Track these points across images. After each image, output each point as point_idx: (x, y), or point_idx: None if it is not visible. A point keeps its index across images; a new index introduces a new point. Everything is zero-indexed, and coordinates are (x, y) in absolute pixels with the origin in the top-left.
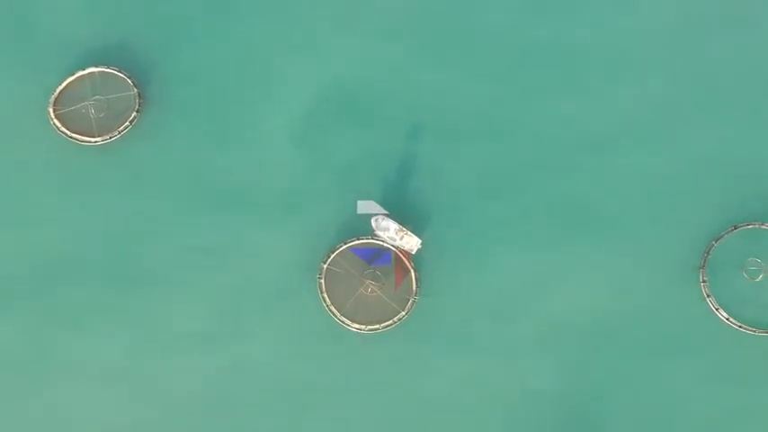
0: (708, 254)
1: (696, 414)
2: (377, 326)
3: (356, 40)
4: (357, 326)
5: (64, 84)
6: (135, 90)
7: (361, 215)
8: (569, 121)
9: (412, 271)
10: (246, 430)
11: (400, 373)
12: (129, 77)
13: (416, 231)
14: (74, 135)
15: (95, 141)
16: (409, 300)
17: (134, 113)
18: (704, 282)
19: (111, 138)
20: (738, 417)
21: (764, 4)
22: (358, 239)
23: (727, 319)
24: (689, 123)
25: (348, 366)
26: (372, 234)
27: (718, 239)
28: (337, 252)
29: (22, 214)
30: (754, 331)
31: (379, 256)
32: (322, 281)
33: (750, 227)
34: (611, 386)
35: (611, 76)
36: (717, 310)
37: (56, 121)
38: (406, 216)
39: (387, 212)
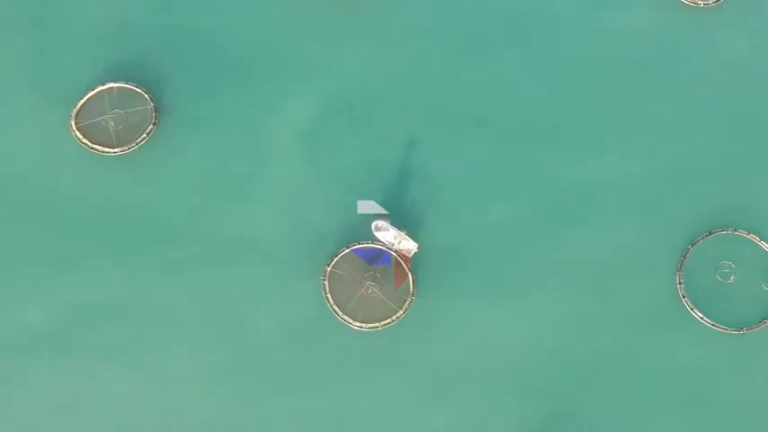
0: (684, 258)
1: (671, 406)
2: (376, 324)
3: (359, 56)
4: (358, 324)
5: (85, 98)
6: (151, 104)
7: (362, 216)
8: (557, 132)
9: (410, 274)
10: (253, 418)
11: (398, 367)
12: (145, 92)
13: (413, 236)
14: (94, 146)
15: (114, 152)
16: (406, 300)
17: (150, 126)
18: (681, 283)
19: (129, 148)
20: (711, 407)
21: (736, 25)
22: (359, 243)
23: (702, 319)
24: (668, 139)
25: (349, 361)
26: (373, 239)
27: (694, 244)
28: (340, 255)
29: (40, 218)
30: (726, 329)
31: (379, 256)
32: (326, 282)
33: (723, 233)
34: (596, 376)
35: (596, 93)
36: (692, 309)
37: (77, 132)
38: (404, 221)
39: (386, 212)
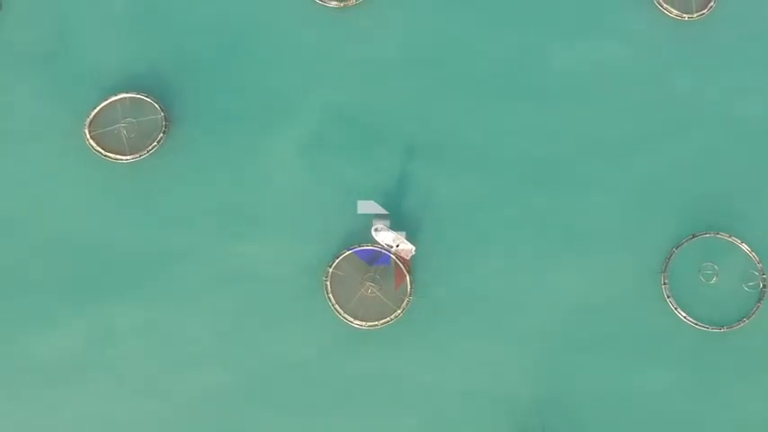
0: (669, 259)
1: (655, 401)
2: (376, 322)
3: (361, 72)
4: (358, 323)
5: (98, 108)
6: (162, 114)
7: (363, 220)
8: (546, 142)
9: (407, 275)
10: (256, 412)
11: (395, 362)
12: (156, 102)
13: (412, 238)
14: (108, 154)
15: (127, 159)
16: (404, 300)
17: (161, 134)
18: (665, 284)
19: (140, 156)
20: (691, 401)
21: (717, 36)
22: (359, 246)
23: (685, 318)
24: (653, 145)
25: (349, 356)
26: (372, 242)
27: (678, 246)
28: (342, 257)
29: (59, 223)
30: (708, 328)
31: (379, 256)
32: (328, 283)
33: (707, 236)
34: (584, 373)
35: (581, 100)
36: (675, 309)
37: (91, 141)
38: (403, 224)
39: (386, 212)
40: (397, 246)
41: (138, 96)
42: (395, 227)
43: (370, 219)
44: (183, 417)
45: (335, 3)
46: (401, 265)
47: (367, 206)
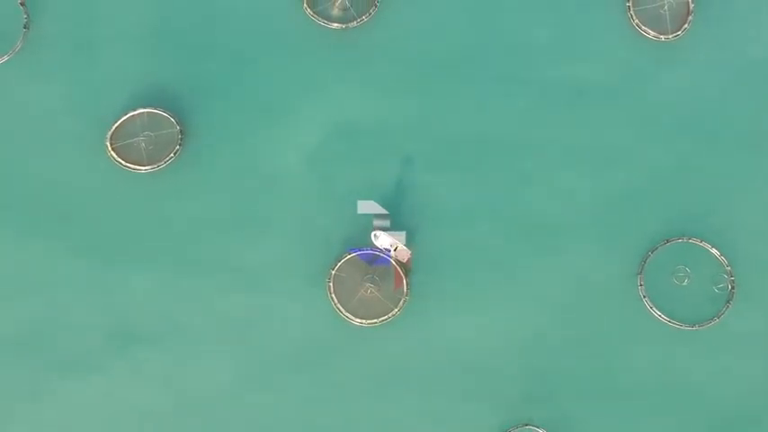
0: (644, 263)
1: (634, 393)
2: (374, 320)
3: (359, 89)
4: (359, 321)
5: (118, 122)
6: (178, 127)
7: (363, 225)
8: (531, 153)
9: (404, 277)
10: (266, 400)
11: (391, 358)
12: (172, 117)
13: (410, 240)
14: (128, 165)
15: (145, 170)
16: (401, 299)
17: (177, 147)
18: (641, 285)
19: (158, 167)
20: (671, 392)
21: (691, 56)
22: (360, 250)
23: (659, 316)
24: (630, 159)
25: (349, 351)
26: (371, 245)
27: (653, 251)
28: (343, 260)
29: (77, 228)
30: (680, 325)
31: (379, 256)
32: (330, 284)
33: (680, 241)
34: (568, 368)
35: (563, 112)
36: (651, 308)
37: (112, 153)
38: (403, 223)
39: (386, 212)
40: (395, 249)
41: (156, 111)
42: (395, 227)
43: (370, 219)
44: None
45: (337, 25)
46: (398, 267)
47: (367, 206)
